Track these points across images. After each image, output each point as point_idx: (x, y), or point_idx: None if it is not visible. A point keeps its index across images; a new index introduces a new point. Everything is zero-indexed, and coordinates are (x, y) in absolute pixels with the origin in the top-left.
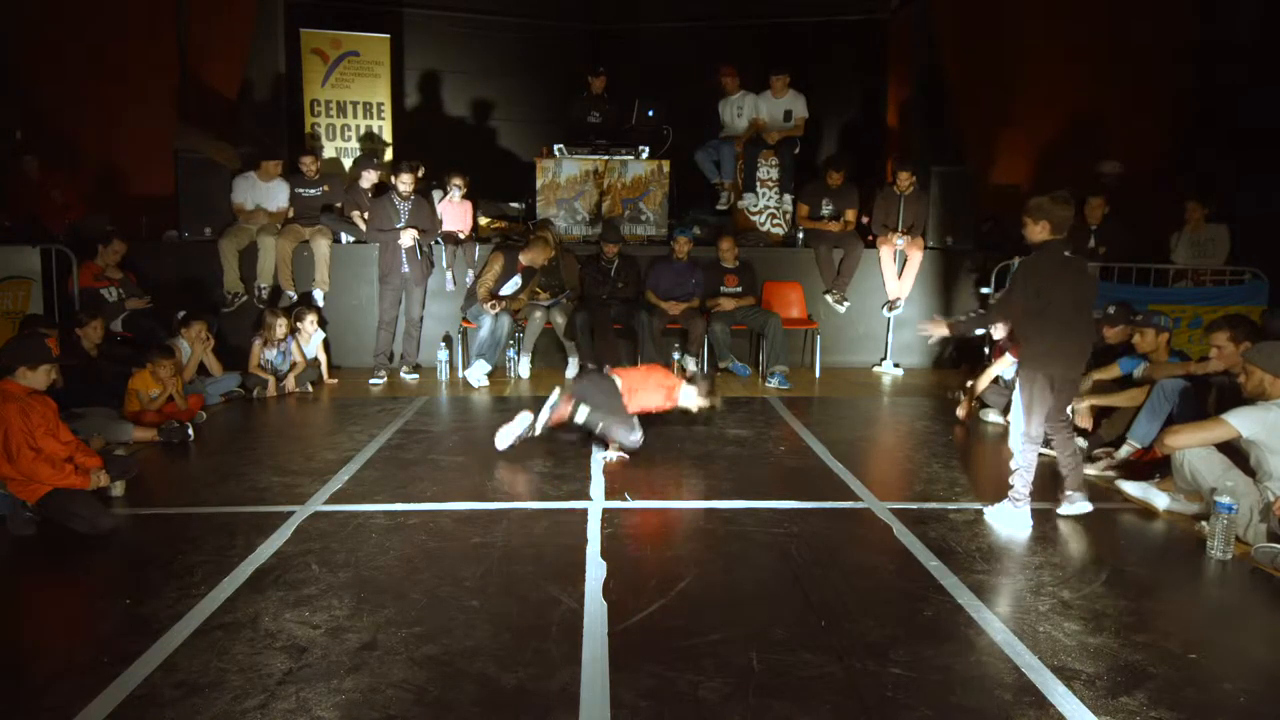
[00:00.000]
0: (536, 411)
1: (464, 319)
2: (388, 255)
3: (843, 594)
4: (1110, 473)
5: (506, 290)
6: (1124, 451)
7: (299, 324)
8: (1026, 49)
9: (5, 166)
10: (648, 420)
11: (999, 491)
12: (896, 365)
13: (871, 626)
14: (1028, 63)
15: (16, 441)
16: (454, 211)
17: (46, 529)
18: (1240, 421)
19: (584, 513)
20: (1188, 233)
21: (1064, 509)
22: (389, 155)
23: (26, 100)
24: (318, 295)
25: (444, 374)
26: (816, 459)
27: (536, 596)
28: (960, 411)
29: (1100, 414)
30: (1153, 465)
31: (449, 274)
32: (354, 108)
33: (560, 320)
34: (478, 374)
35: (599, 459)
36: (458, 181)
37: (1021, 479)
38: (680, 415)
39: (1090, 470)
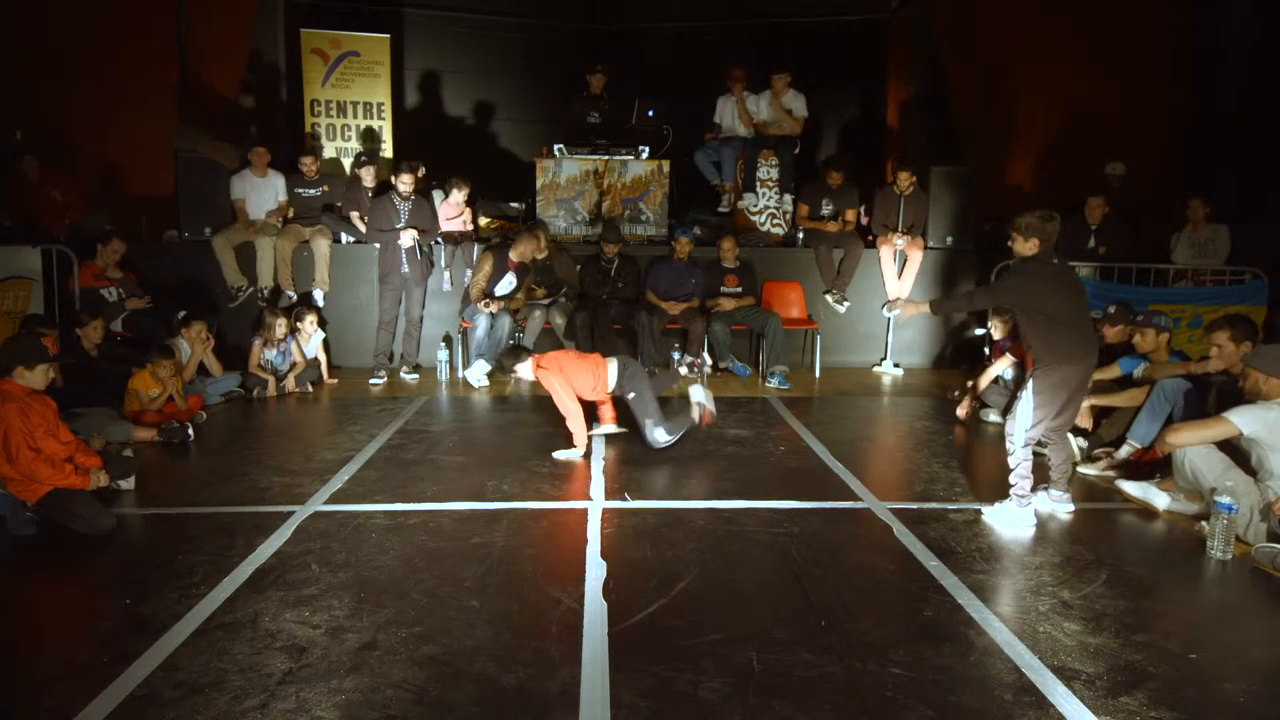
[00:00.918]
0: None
1: (462, 319)
2: (388, 255)
3: (843, 594)
4: (1110, 473)
5: (502, 290)
6: (1124, 451)
7: (299, 324)
8: (1027, 49)
9: (5, 166)
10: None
11: (999, 491)
12: (897, 365)
13: (871, 626)
14: (1028, 62)
15: (16, 441)
16: (454, 212)
17: (46, 529)
18: (1241, 419)
19: (584, 513)
20: (1188, 232)
21: (1045, 502)
22: (388, 152)
23: (26, 100)
24: (317, 295)
25: (444, 374)
26: (816, 459)
27: (536, 596)
28: (960, 411)
29: (1100, 414)
30: (1153, 465)
31: (446, 274)
32: (354, 108)
33: (560, 320)
34: (478, 374)
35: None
36: (459, 186)
37: (1022, 478)
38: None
39: (1090, 470)
